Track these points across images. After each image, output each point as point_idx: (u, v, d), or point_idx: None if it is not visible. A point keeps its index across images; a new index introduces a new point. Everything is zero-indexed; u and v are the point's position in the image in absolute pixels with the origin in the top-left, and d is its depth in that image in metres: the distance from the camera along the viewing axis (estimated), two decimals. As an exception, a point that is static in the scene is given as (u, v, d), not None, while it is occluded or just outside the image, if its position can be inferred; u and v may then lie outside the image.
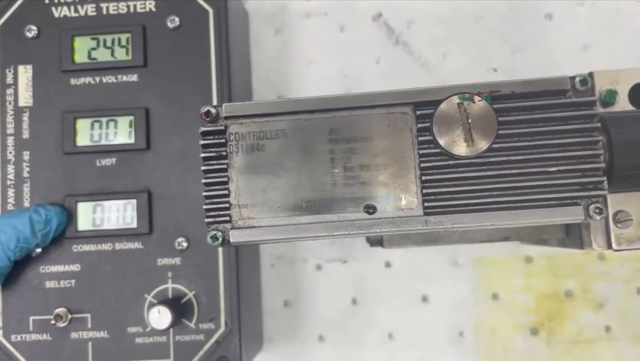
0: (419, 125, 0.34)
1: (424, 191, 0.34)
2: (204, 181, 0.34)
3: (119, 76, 0.51)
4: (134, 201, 0.49)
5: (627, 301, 0.58)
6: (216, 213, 0.34)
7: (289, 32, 0.62)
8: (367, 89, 0.60)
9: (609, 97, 0.38)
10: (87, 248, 0.50)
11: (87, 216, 0.50)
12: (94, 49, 0.51)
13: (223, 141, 0.34)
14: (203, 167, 0.34)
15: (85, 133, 0.50)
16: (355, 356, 0.59)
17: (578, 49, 0.60)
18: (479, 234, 0.48)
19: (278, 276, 0.60)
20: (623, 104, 0.38)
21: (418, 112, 0.34)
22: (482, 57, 0.61)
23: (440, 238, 0.48)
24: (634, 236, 0.38)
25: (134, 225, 0.49)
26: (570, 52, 0.60)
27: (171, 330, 0.48)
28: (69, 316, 0.49)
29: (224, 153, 0.34)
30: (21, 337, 0.49)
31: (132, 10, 0.51)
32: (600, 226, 0.38)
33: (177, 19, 0.51)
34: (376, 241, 0.49)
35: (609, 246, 0.38)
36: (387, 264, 0.60)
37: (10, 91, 0.51)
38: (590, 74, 0.38)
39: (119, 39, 0.51)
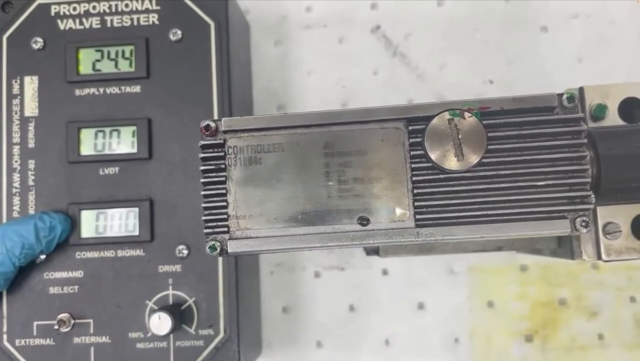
0: (411, 140, 0.35)
1: (416, 203, 0.35)
2: (203, 193, 0.35)
3: (123, 87, 0.52)
4: (136, 209, 0.51)
5: (619, 309, 0.59)
6: (215, 224, 0.35)
7: (289, 43, 0.64)
8: (365, 99, 0.62)
9: (599, 112, 0.39)
10: (90, 255, 0.51)
11: (90, 223, 0.51)
12: (98, 60, 0.52)
13: (222, 154, 0.36)
14: (202, 180, 0.35)
15: (89, 143, 0.51)
16: (352, 362, 0.60)
17: (573, 61, 0.61)
18: (473, 244, 0.49)
19: (277, 283, 0.61)
20: (613, 118, 0.39)
21: (410, 128, 0.35)
22: (478, 68, 0.62)
23: (434, 248, 0.49)
24: (623, 247, 0.39)
25: (136, 233, 0.50)
26: (565, 64, 0.61)
27: (171, 335, 0.49)
28: (72, 322, 0.50)
29: (223, 166, 0.35)
30: (25, 342, 0.50)
31: (135, 23, 0.52)
32: (590, 238, 0.39)
33: (179, 32, 0.52)
34: (372, 251, 0.50)
35: (599, 257, 0.39)
36: (384, 272, 0.61)
37: (16, 101, 0.52)
38: (581, 89, 0.39)
39: (123, 51, 0.52)
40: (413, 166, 0.35)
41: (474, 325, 0.60)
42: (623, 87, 0.40)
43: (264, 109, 0.63)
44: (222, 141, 0.36)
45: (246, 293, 0.54)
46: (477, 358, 0.60)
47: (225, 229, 0.35)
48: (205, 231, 0.35)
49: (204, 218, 0.35)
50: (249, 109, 0.62)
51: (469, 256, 0.60)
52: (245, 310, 0.52)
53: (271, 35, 0.64)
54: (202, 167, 0.35)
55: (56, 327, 0.49)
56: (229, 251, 0.35)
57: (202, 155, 0.36)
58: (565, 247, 0.44)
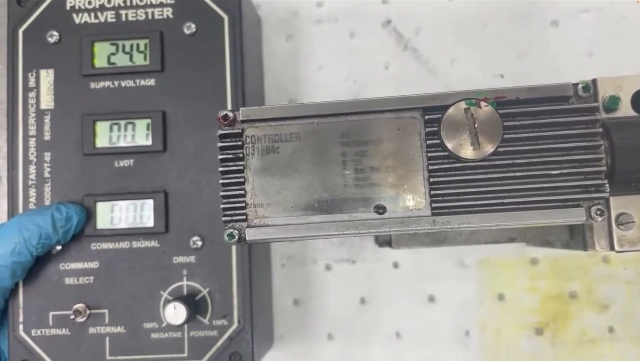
0: (427, 129, 0.35)
1: (432, 192, 0.35)
2: (221, 181, 0.36)
3: (137, 80, 0.52)
4: (151, 201, 0.51)
5: (630, 302, 0.59)
6: (233, 212, 0.36)
7: (300, 38, 0.64)
8: (376, 93, 0.61)
9: (612, 103, 0.39)
10: (105, 246, 0.51)
11: (106, 215, 0.51)
12: (113, 54, 0.53)
13: (240, 143, 0.36)
14: (221, 169, 0.36)
15: (104, 135, 0.52)
16: (363, 354, 0.61)
17: (583, 55, 0.62)
18: (485, 236, 0.49)
19: (288, 275, 0.62)
20: (626, 110, 0.40)
21: (426, 117, 0.35)
22: (489, 62, 0.62)
23: (447, 239, 0.49)
24: (636, 238, 0.39)
25: (151, 224, 0.51)
26: (576, 59, 0.61)
27: (186, 325, 0.50)
28: (88, 312, 0.50)
29: (241, 155, 0.36)
30: (41, 332, 0.51)
31: (150, 17, 0.53)
32: (603, 228, 0.39)
33: (193, 26, 0.52)
34: (385, 242, 0.50)
35: (612, 248, 0.39)
36: (395, 265, 0.61)
37: (32, 94, 0.53)
38: (594, 81, 0.40)
39: (138, 45, 0.53)
40: (429, 155, 0.35)
41: (485, 318, 0.60)
42: (636, 79, 0.40)
43: (276, 103, 0.63)
44: (240, 131, 0.36)
45: (259, 285, 0.54)
46: (487, 351, 0.60)
47: (244, 217, 0.36)
48: (224, 219, 0.36)
49: (222, 206, 0.36)
50: (261, 102, 0.62)
51: (480, 249, 0.60)
52: (258, 302, 0.53)
53: (282, 30, 0.64)
54: (220, 157, 0.36)
55: (72, 317, 0.50)
56: (247, 238, 0.35)
57: (220, 144, 0.36)
58: (577, 238, 0.44)
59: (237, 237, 0.35)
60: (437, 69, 0.62)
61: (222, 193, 0.36)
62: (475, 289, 0.60)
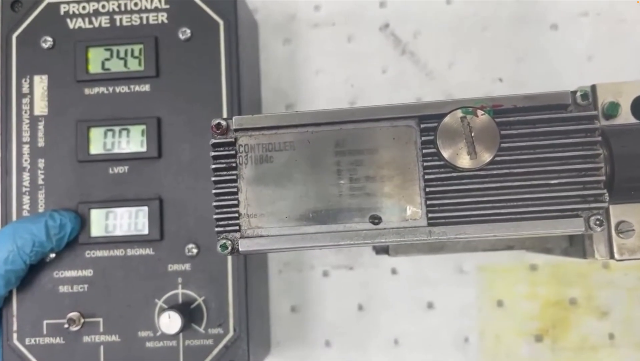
0: (423, 138, 0.35)
1: (428, 202, 0.34)
2: (214, 191, 0.35)
3: (132, 86, 0.52)
4: (146, 208, 0.51)
5: (630, 309, 0.58)
6: (226, 223, 0.35)
7: (298, 42, 0.63)
8: (374, 98, 0.61)
9: (612, 110, 0.38)
10: (99, 253, 0.51)
11: (100, 222, 0.51)
12: (107, 59, 0.52)
13: (233, 152, 0.35)
14: (213, 178, 0.35)
15: (99, 142, 0.51)
16: (361, 361, 0.60)
17: (582, 59, 0.61)
18: (483, 243, 0.49)
19: (285, 282, 0.61)
20: (626, 116, 0.39)
21: (422, 126, 0.35)
22: (488, 67, 0.61)
23: (444, 247, 0.48)
24: (636, 246, 0.38)
25: (146, 232, 0.50)
26: (575, 63, 0.61)
27: (181, 334, 0.49)
28: (82, 320, 0.50)
29: (234, 164, 0.35)
30: (35, 340, 0.50)
31: (144, 22, 0.52)
32: (603, 236, 0.39)
33: (188, 31, 0.52)
34: (382, 250, 0.50)
35: (611, 256, 0.39)
36: (393, 271, 0.61)
37: (26, 100, 0.52)
38: (593, 87, 0.39)
39: (132, 50, 0.52)
40: (425, 164, 0.35)
41: (484, 325, 0.60)
42: (636, 85, 0.39)
43: (273, 108, 0.63)
44: (233, 140, 0.36)
45: (255, 292, 0.54)
46: (486, 357, 0.59)
47: (237, 227, 0.35)
48: (217, 229, 0.35)
49: (215, 216, 0.35)
50: (258, 108, 0.62)
51: (479, 255, 0.59)
52: (254, 309, 0.52)
53: (279, 34, 0.64)
54: (213, 166, 0.35)
55: (66, 326, 0.49)
56: (240, 249, 0.35)
57: (213, 153, 0.35)
58: (577, 246, 0.44)
59: (230, 248, 0.35)
60: (435, 72, 0.62)
61: (214, 203, 0.35)
62: (474, 296, 0.60)
